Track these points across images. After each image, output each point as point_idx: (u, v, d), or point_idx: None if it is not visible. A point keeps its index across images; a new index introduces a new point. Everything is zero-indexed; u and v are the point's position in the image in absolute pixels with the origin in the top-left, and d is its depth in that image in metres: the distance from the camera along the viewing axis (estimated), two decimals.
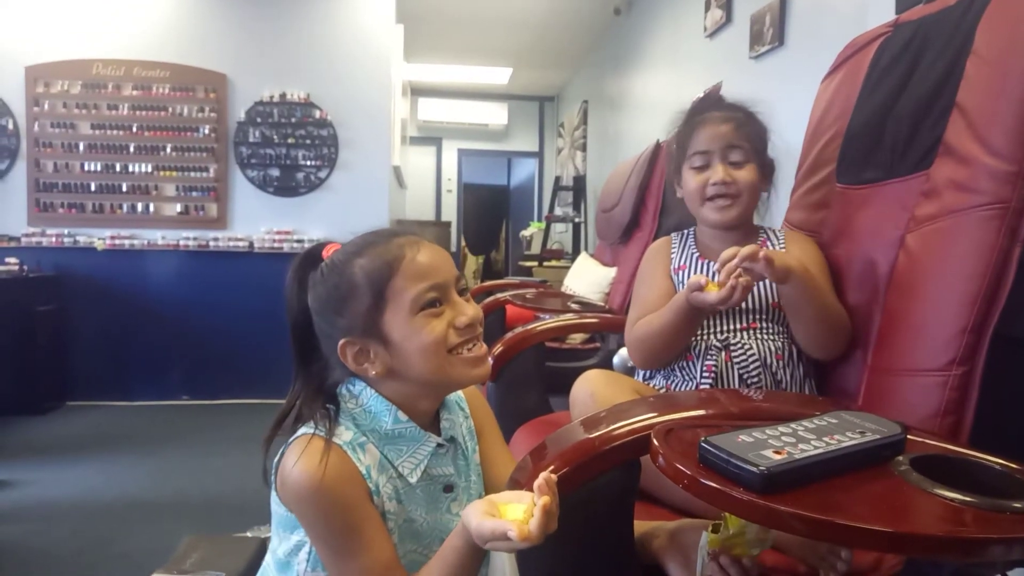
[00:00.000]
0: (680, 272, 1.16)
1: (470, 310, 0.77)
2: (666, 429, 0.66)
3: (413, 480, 0.77)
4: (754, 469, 0.52)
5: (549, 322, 1.73)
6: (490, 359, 0.98)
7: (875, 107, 1.03)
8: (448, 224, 6.82)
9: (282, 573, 0.77)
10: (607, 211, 2.71)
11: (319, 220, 3.84)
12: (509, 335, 1.60)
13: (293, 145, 3.82)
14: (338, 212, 3.84)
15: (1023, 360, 0.83)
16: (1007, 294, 0.77)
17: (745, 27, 2.52)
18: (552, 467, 0.68)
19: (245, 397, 3.70)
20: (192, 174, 3.76)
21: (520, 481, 0.70)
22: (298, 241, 3.79)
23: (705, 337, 1.07)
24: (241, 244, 3.77)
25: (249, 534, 1.53)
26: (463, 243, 7.72)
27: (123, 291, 3.73)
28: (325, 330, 0.78)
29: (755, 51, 2.44)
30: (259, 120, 3.79)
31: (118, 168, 3.70)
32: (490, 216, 8.80)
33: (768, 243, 1.14)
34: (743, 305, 1.06)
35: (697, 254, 1.17)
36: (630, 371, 1.21)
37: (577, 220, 5.23)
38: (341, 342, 0.76)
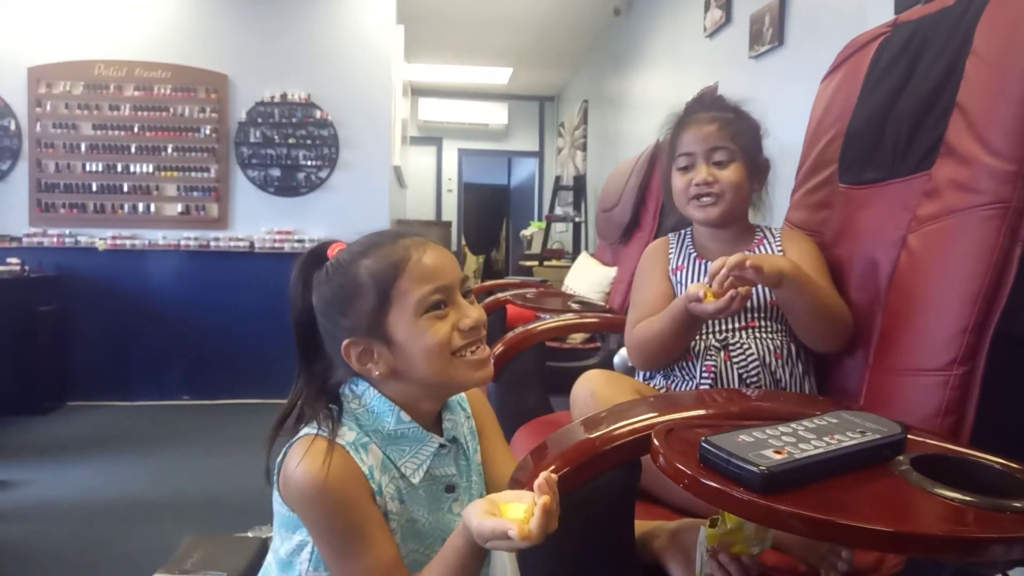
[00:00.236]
0: (678, 272, 1.16)
1: (474, 313, 0.77)
2: (666, 429, 0.66)
3: (415, 480, 0.77)
4: (754, 469, 0.52)
5: (549, 322, 1.73)
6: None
7: (875, 107, 1.03)
8: (448, 224, 6.82)
9: (284, 573, 0.77)
10: (607, 211, 2.71)
11: (320, 220, 3.85)
12: (510, 335, 1.61)
13: (294, 145, 3.82)
14: (339, 212, 3.84)
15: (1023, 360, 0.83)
16: (1008, 293, 0.77)
17: (745, 27, 2.52)
18: (553, 467, 0.69)
19: (246, 397, 3.71)
20: (193, 174, 3.76)
21: (521, 480, 0.70)
22: (299, 241, 3.79)
23: (704, 337, 1.07)
24: (242, 244, 3.77)
25: (250, 534, 1.53)
26: (463, 243, 7.72)
27: (124, 291, 3.73)
28: (329, 329, 0.78)
29: (755, 51, 2.44)
30: (260, 120, 3.79)
31: (119, 168, 3.71)
32: (490, 216, 8.80)
33: (765, 242, 1.14)
34: None
35: (695, 254, 1.17)
36: (630, 371, 1.21)
37: (577, 220, 5.23)
38: (345, 342, 0.76)
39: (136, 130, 3.70)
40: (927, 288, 0.86)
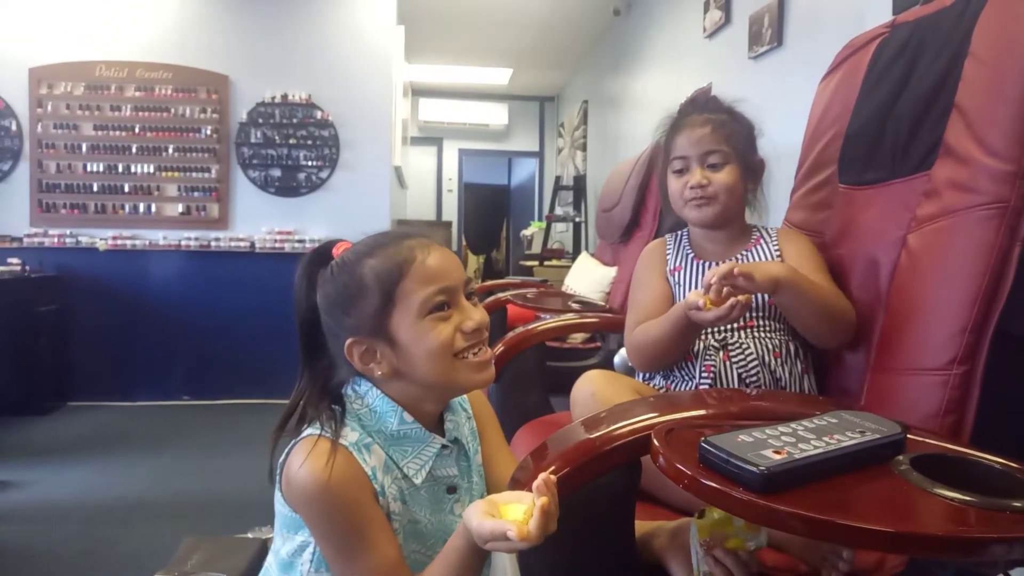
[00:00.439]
0: (676, 273, 1.17)
1: (477, 315, 0.77)
2: (666, 429, 0.66)
3: (418, 481, 0.77)
4: (754, 469, 0.52)
5: (550, 322, 1.73)
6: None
7: (874, 108, 1.03)
8: (449, 224, 6.83)
9: (285, 573, 0.77)
10: (607, 211, 2.71)
11: (320, 220, 3.85)
12: (510, 335, 1.61)
13: (294, 146, 3.82)
14: (339, 212, 3.84)
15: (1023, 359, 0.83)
16: (1007, 293, 0.78)
17: (744, 28, 2.52)
18: (553, 467, 0.69)
19: (246, 397, 3.71)
20: (194, 175, 3.76)
21: (522, 481, 0.70)
22: (299, 241, 3.79)
23: (703, 337, 1.07)
24: (243, 244, 3.77)
25: (250, 535, 1.53)
26: (464, 243, 7.72)
27: (125, 291, 3.73)
28: (332, 328, 0.78)
29: (754, 51, 2.44)
30: (261, 121, 3.79)
31: (120, 169, 3.71)
32: (491, 216, 8.80)
33: (761, 242, 1.14)
34: None
35: (692, 255, 1.17)
36: (631, 371, 1.21)
37: (577, 219, 5.23)
38: (348, 341, 0.76)
39: (137, 130, 3.70)
40: (927, 288, 0.87)
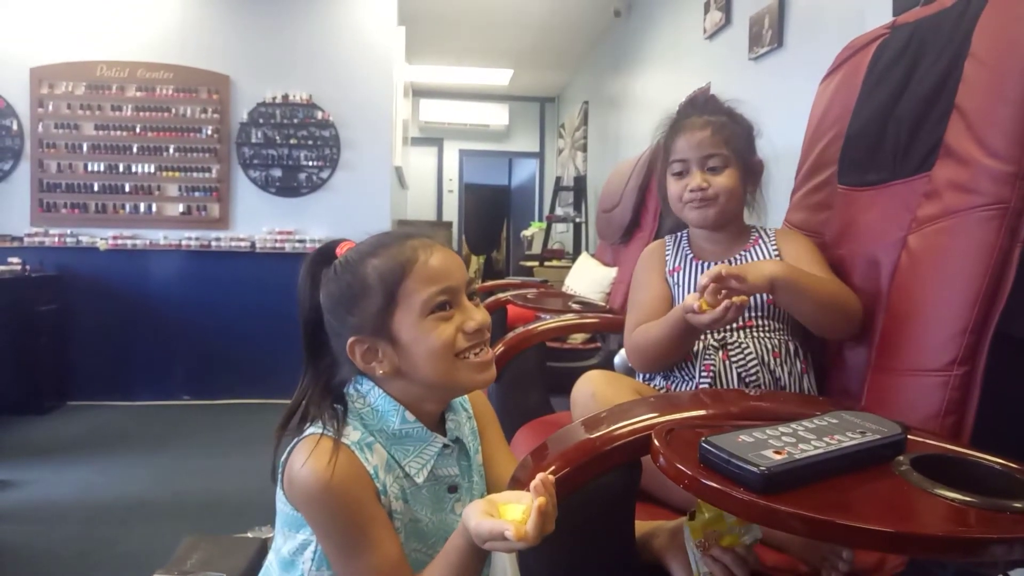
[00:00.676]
0: (675, 274, 1.17)
1: (479, 315, 0.78)
2: (667, 429, 0.66)
3: (420, 480, 0.77)
4: (754, 469, 0.52)
5: (550, 322, 1.73)
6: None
7: (875, 109, 1.04)
8: (449, 224, 6.83)
9: (286, 572, 0.78)
10: (608, 211, 2.71)
11: (321, 220, 3.85)
12: (510, 335, 1.61)
13: (295, 146, 3.82)
14: (340, 212, 3.85)
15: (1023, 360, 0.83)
16: (1008, 294, 0.78)
17: (744, 29, 2.52)
18: (552, 467, 0.69)
19: (246, 397, 3.70)
20: (195, 174, 3.76)
21: (522, 480, 0.70)
22: (300, 241, 3.79)
23: (703, 337, 1.07)
24: (243, 244, 3.77)
25: (250, 534, 1.53)
26: (464, 243, 7.72)
27: (125, 291, 3.73)
28: (335, 327, 0.78)
29: (754, 52, 2.44)
30: (261, 121, 3.80)
31: (121, 168, 3.71)
32: (491, 216, 8.80)
33: (760, 242, 1.14)
34: None
35: (691, 255, 1.18)
36: (631, 371, 1.21)
37: (578, 220, 5.23)
38: (350, 340, 0.76)
39: (138, 130, 3.70)
40: (927, 289, 0.87)
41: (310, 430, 0.75)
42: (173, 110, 3.72)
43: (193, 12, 3.74)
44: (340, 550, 0.72)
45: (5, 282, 3.26)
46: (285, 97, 3.80)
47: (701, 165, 1.11)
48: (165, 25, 3.72)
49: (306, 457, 0.71)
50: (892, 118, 0.99)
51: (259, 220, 3.83)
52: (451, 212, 7.31)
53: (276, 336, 3.46)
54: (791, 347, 1.05)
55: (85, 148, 3.68)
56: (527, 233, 6.03)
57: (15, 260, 3.44)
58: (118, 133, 3.69)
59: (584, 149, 5.53)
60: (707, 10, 2.90)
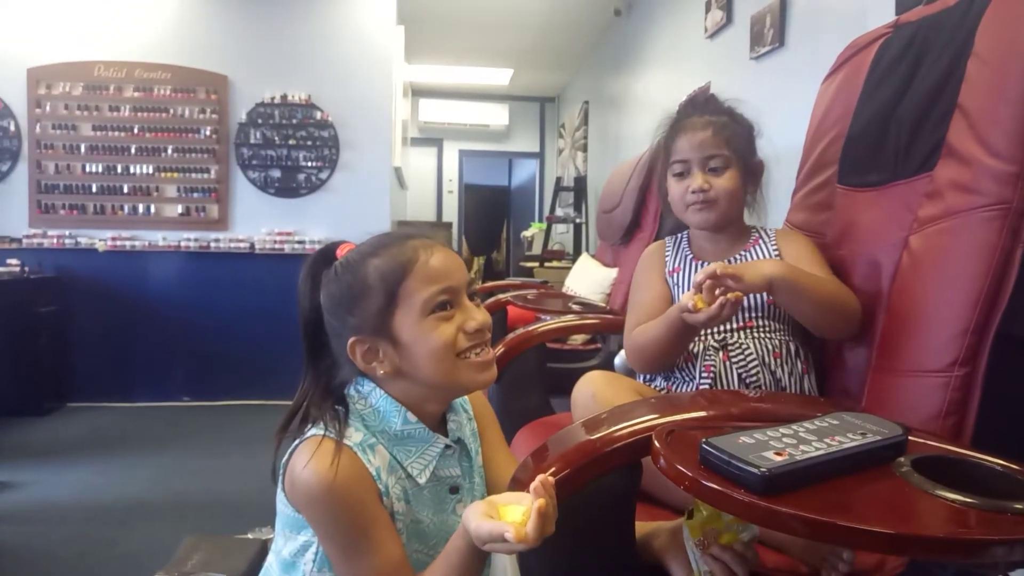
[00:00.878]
0: (675, 275, 1.17)
1: (480, 315, 0.78)
2: (667, 430, 0.66)
3: (422, 481, 0.77)
4: (755, 470, 0.52)
5: (550, 323, 1.73)
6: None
7: (877, 109, 1.03)
8: (449, 225, 6.83)
9: (287, 574, 0.77)
10: (608, 212, 2.71)
11: (320, 221, 3.85)
12: (510, 336, 1.60)
13: (294, 146, 3.82)
14: (339, 213, 3.84)
15: None
16: (1009, 294, 0.77)
17: (745, 28, 2.52)
18: (553, 469, 0.69)
19: (246, 398, 3.70)
20: (193, 175, 3.76)
21: (522, 481, 0.70)
22: (299, 242, 3.79)
23: (703, 338, 1.07)
24: (242, 245, 3.77)
25: (250, 535, 1.53)
26: (464, 244, 7.72)
27: (124, 292, 3.73)
28: (336, 328, 0.78)
29: (755, 52, 2.44)
30: (260, 121, 3.79)
31: (119, 169, 3.70)
32: (491, 217, 8.80)
33: (760, 242, 1.14)
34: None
35: (691, 256, 1.17)
36: (631, 372, 1.21)
37: (578, 221, 5.23)
38: (351, 340, 0.76)
39: (136, 131, 3.70)
40: (928, 289, 0.86)
41: (312, 432, 0.74)
42: (171, 110, 3.72)
43: (191, 12, 3.74)
44: (342, 552, 0.72)
45: (4, 284, 3.26)
46: (284, 97, 3.79)
47: (702, 166, 1.11)
48: (163, 25, 3.72)
49: (308, 459, 0.71)
50: (894, 118, 0.98)
51: (258, 221, 3.82)
52: (451, 213, 7.31)
53: (276, 337, 3.46)
54: (791, 347, 1.05)
55: (83, 149, 3.68)
56: (527, 234, 6.03)
57: (14, 262, 3.43)
58: (116, 134, 3.69)
59: (584, 149, 5.53)
60: (708, 9, 2.90)
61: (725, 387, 1.04)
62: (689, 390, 1.08)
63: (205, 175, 3.76)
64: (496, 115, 7.03)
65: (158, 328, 3.74)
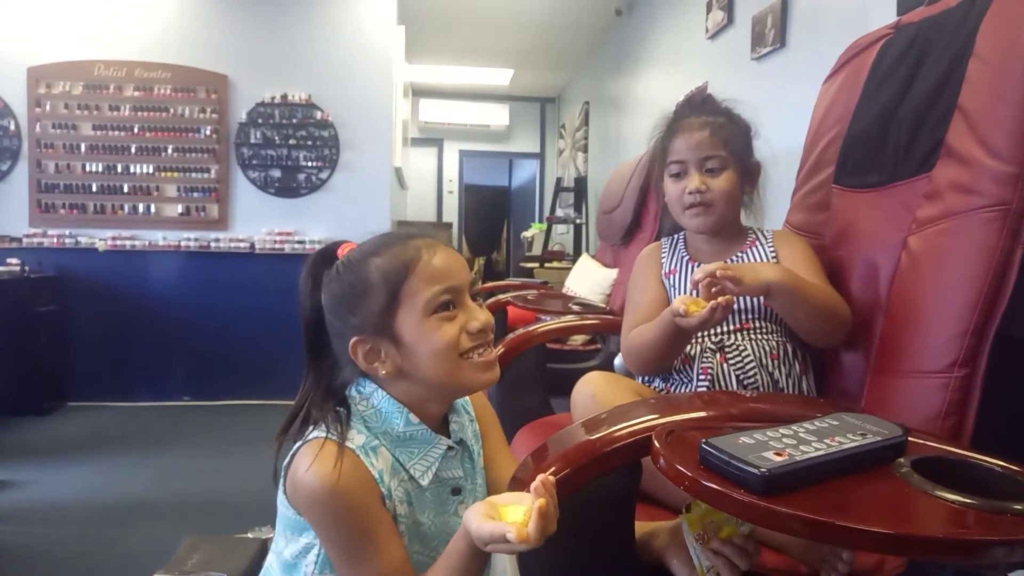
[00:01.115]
0: (671, 276, 1.17)
1: (482, 315, 0.77)
2: (667, 431, 0.66)
3: (425, 482, 0.77)
4: (755, 471, 0.52)
5: (550, 323, 1.73)
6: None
7: (877, 110, 1.03)
8: (449, 225, 6.83)
9: (288, 575, 0.77)
10: (608, 212, 2.71)
11: (320, 221, 3.85)
12: (511, 336, 1.61)
13: (294, 146, 3.82)
14: (339, 213, 3.84)
15: None
16: (1009, 295, 0.77)
17: (746, 28, 2.52)
18: (553, 469, 0.69)
19: (246, 398, 3.70)
20: (193, 175, 3.76)
21: (523, 480, 0.70)
22: (299, 242, 3.79)
23: (700, 340, 1.07)
24: (242, 245, 3.77)
25: (250, 535, 1.53)
26: (464, 244, 7.72)
27: (124, 292, 3.73)
28: (337, 328, 0.78)
29: (756, 52, 2.44)
30: (260, 121, 3.79)
31: (119, 169, 3.70)
32: (491, 217, 8.80)
33: (757, 244, 1.14)
34: (736, 305, 1.06)
35: (687, 258, 1.17)
36: (631, 373, 1.21)
37: (578, 221, 5.23)
38: (352, 340, 0.76)
39: (136, 131, 3.70)
40: (928, 290, 0.86)
41: (314, 434, 0.74)
42: (171, 110, 3.72)
43: (191, 11, 3.74)
44: (344, 554, 0.72)
45: (4, 283, 3.25)
46: (284, 97, 3.79)
47: (699, 167, 1.10)
48: (163, 24, 3.72)
49: (311, 461, 0.71)
50: (894, 119, 0.98)
51: (258, 221, 3.82)
52: (451, 213, 7.31)
53: (276, 337, 3.46)
54: (789, 349, 1.05)
55: (83, 148, 3.68)
56: (527, 234, 6.03)
57: (14, 261, 3.43)
58: (116, 133, 3.69)
59: (585, 150, 5.53)
60: (709, 9, 2.90)
61: (723, 388, 1.04)
62: (689, 391, 1.08)
63: (205, 175, 3.76)
64: (496, 115, 7.03)
65: (158, 328, 3.74)
